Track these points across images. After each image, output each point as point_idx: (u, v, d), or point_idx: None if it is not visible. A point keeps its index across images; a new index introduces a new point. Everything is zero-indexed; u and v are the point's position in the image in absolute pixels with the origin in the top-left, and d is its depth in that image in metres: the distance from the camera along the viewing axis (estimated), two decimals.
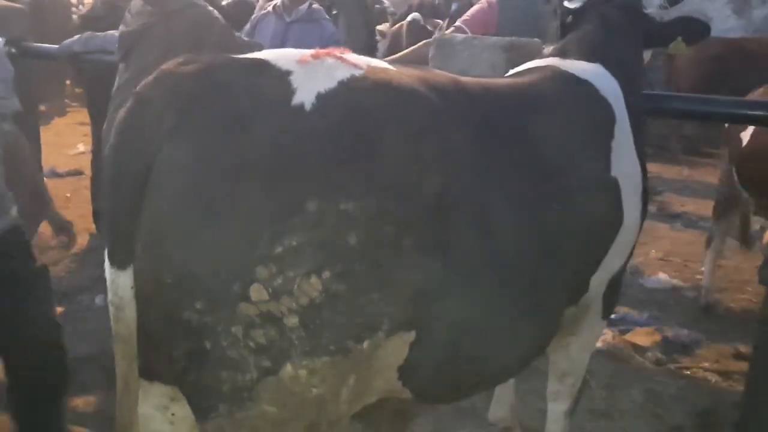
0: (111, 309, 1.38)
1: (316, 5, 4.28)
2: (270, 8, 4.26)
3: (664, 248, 5.56)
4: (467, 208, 1.53)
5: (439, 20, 6.80)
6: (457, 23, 3.79)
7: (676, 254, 5.43)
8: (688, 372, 3.67)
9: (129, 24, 3.61)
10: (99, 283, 4.20)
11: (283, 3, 4.19)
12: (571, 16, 2.46)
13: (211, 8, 3.55)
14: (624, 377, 3.50)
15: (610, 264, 2.11)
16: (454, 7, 6.17)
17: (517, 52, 2.81)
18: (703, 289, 4.45)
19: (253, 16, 4.43)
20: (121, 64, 3.57)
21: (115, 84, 3.54)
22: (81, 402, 3.14)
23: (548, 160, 1.81)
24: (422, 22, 7.15)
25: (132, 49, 3.48)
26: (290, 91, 1.35)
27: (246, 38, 4.17)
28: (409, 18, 7.13)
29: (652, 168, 7.26)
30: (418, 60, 3.06)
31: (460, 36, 3.11)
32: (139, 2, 3.58)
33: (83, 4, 6.76)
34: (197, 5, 3.50)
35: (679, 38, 2.47)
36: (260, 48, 3.47)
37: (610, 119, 2.09)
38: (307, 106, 1.33)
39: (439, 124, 1.51)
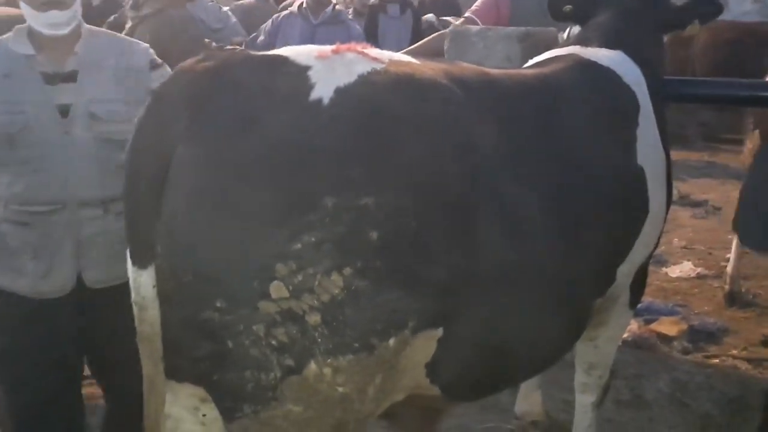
0: (135, 309, 1.38)
1: (339, 6, 4.28)
2: (295, 9, 4.25)
3: (687, 236, 5.50)
4: (494, 202, 1.50)
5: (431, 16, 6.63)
6: (467, 14, 3.74)
7: (699, 242, 5.37)
8: (716, 360, 3.62)
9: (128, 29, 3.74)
10: None
11: (308, 4, 4.18)
12: (570, 7, 2.44)
13: (183, 15, 3.60)
14: (650, 367, 3.46)
15: (637, 254, 2.08)
16: None
17: (532, 41, 2.77)
18: (728, 276, 4.38)
19: (274, 15, 4.43)
20: None
21: None
22: None
23: (574, 151, 1.78)
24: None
25: None
26: (308, 86, 1.33)
27: (262, 37, 4.18)
28: None
29: (672, 155, 7.18)
30: (430, 53, 3.03)
31: (474, 27, 3.08)
32: (129, 7, 3.71)
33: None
34: (168, 12, 3.57)
35: (696, 21, 2.45)
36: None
37: (635, 107, 2.07)
38: (325, 101, 1.31)
39: (462, 118, 1.49)
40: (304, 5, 4.20)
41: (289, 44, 3.86)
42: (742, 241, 4.15)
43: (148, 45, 2.32)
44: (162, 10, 3.51)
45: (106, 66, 2.16)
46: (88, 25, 2.22)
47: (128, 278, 2.02)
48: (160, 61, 2.29)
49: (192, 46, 3.42)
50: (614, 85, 2.06)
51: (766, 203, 3.74)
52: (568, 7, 2.45)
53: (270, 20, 4.35)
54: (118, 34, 2.34)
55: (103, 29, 2.29)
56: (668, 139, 2.23)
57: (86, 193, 2.09)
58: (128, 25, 3.73)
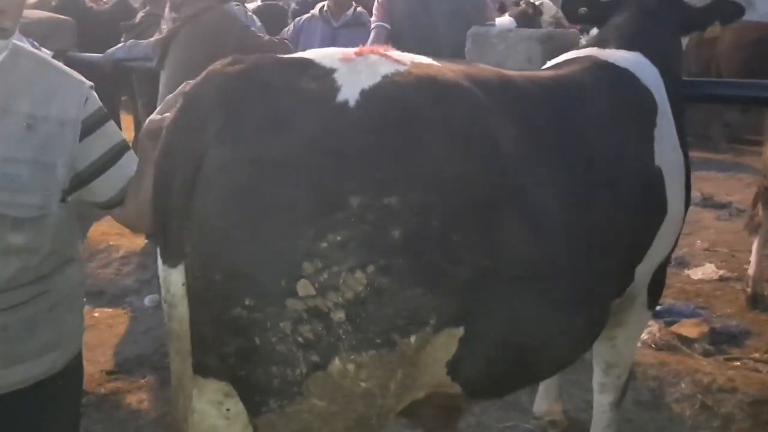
0: (164, 306, 1.42)
1: (360, 9, 4.31)
2: (316, 12, 4.30)
3: (710, 238, 5.46)
4: (516, 202, 1.53)
5: None
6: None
7: (722, 244, 5.33)
8: (738, 363, 3.60)
9: (161, 31, 3.73)
10: (147, 286, 4.36)
11: (329, 7, 4.22)
12: (585, 9, 2.45)
13: (230, 10, 3.62)
14: (671, 369, 3.44)
15: (655, 254, 2.10)
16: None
17: (553, 43, 2.80)
18: (750, 279, 4.35)
19: (296, 19, 4.48)
20: (160, 71, 3.67)
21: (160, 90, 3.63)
22: (134, 400, 3.22)
23: (592, 152, 1.81)
24: None
25: (164, 55, 3.59)
26: (335, 89, 1.37)
27: (285, 39, 4.23)
28: None
29: (696, 156, 7.15)
30: None
31: (495, 28, 3.11)
32: (168, 9, 3.70)
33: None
34: (216, 8, 3.57)
35: (717, 22, 2.45)
36: (285, 47, 3.54)
37: (652, 108, 2.08)
38: (351, 103, 1.35)
39: (484, 119, 1.52)
40: (325, 8, 4.25)
41: (310, 47, 3.94)
42: None
43: (91, 87, 1.74)
44: (209, 8, 3.53)
45: (16, 110, 1.60)
46: (19, 44, 1.69)
47: (22, 386, 1.69)
48: (104, 110, 1.75)
49: (245, 39, 3.47)
50: (631, 87, 2.08)
51: None
52: (583, 10, 2.47)
53: (292, 23, 4.41)
54: (57, 64, 1.74)
55: (38, 54, 1.76)
56: (686, 140, 2.24)
57: None
58: (166, 26, 3.73)
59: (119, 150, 1.78)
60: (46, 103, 1.64)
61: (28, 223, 1.60)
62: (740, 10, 2.50)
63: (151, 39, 4.23)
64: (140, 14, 4.98)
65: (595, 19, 2.51)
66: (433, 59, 1.59)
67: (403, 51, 1.57)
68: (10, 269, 1.62)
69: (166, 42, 3.59)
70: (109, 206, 1.80)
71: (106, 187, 1.76)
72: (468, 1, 3.66)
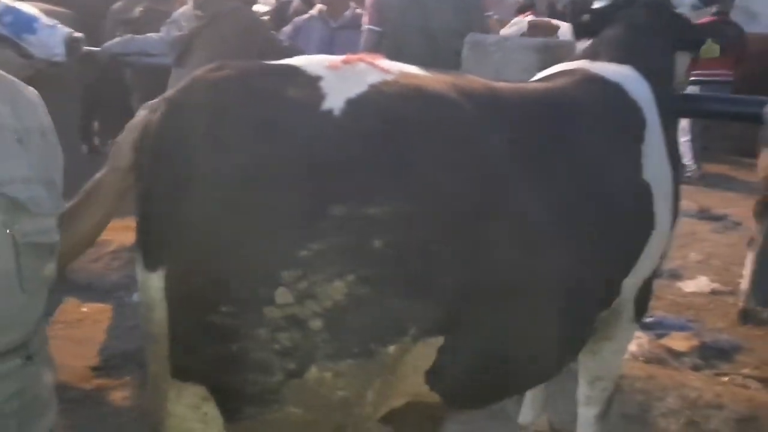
0: (142, 309, 1.42)
1: (359, 10, 4.31)
2: (315, 12, 4.29)
3: (705, 251, 5.45)
4: (500, 214, 1.52)
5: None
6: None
7: (717, 257, 5.32)
8: (727, 378, 3.59)
9: (181, 29, 3.73)
10: (136, 282, 4.33)
11: (327, 8, 4.22)
12: (589, 16, 2.44)
13: (256, 12, 3.64)
14: (659, 382, 3.44)
15: (643, 268, 2.09)
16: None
17: (550, 54, 2.79)
18: (742, 293, 4.35)
19: (295, 19, 4.47)
20: (175, 68, 3.66)
21: (168, 87, 3.62)
22: (119, 397, 3.21)
23: (580, 166, 1.80)
24: None
25: (185, 53, 3.59)
26: (320, 97, 1.36)
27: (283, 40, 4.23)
28: None
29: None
30: None
31: (492, 37, 3.11)
32: (190, 7, 3.69)
33: None
34: (243, 9, 3.58)
35: (710, 40, 2.43)
36: (301, 52, 3.54)
37: (641, 123, 2.08)
38: (336, 112, 1.35)
39: (470, 131, 1.51)
40: (324, 9, 4.25)
41: (309, 47, 3.92)
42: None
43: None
44: (235, 9, 3.54)
45: (3, 124, 1.30)
46: None
47: None
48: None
49: (270, 42, 3.53)
50: (621, 101, 2.07)
51: None
52: (586, 17, 2.45)
53: (291, 23, 4.40)
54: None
55: None
56: (678, 155, 2.23)
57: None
58: (186, 24, 3.69)
59: None
60: (22, 112, 1.36)
61: (55, 250, 1.38)
62: (740, 33, 2.50)
63: (153, 35, 4.23)
64: (139, 9, 4.96)
65: (593, 29, 2.49)
66: (423, 69, 1.58)
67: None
68: (41, 306, 1.38)
69: (188, 40, 3.58)
70: None
71: None
72: None
